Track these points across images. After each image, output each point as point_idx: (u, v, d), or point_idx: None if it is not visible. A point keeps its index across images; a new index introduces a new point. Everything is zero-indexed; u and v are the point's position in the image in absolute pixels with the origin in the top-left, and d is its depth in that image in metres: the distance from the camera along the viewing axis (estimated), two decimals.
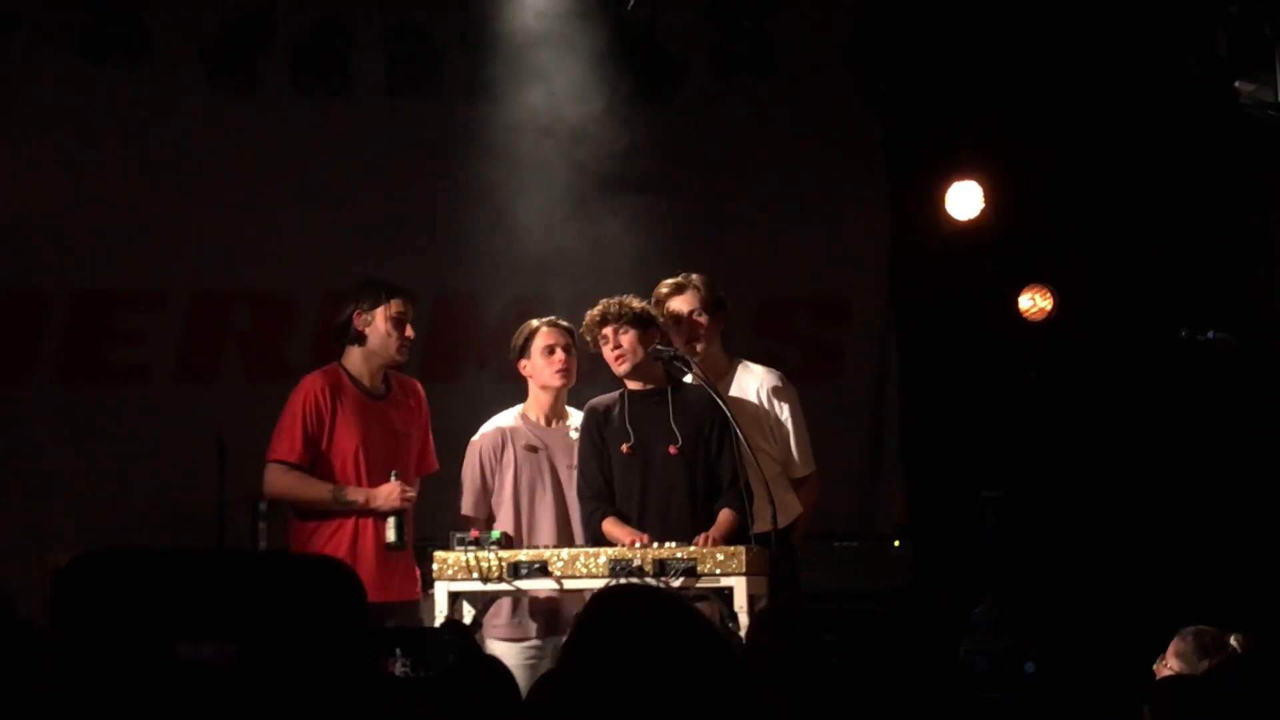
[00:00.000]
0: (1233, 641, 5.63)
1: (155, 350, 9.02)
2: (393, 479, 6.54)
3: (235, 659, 2.35)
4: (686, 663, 2.52)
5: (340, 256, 9.01)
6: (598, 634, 2.60)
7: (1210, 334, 7.16)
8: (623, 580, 5.89)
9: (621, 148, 8.93)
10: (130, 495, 8.69)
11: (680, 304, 6.73)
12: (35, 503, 8.69)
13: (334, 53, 9.09)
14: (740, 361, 6.91)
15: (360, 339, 6.74)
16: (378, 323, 6.71)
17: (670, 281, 6.78)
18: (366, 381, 6.75)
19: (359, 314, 6.73)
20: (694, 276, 6.80)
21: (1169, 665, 5.49)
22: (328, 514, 6.61)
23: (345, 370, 6.76)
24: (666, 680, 2.49)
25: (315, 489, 6.60)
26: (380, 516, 6.54)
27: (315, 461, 6.64)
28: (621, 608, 2.66)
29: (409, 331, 6.74)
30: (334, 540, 6.58)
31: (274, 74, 9.05)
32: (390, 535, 6.47)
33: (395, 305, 6.72)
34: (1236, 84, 7.30)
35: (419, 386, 6.93)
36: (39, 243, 8.84)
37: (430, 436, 6.91)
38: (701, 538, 6.17)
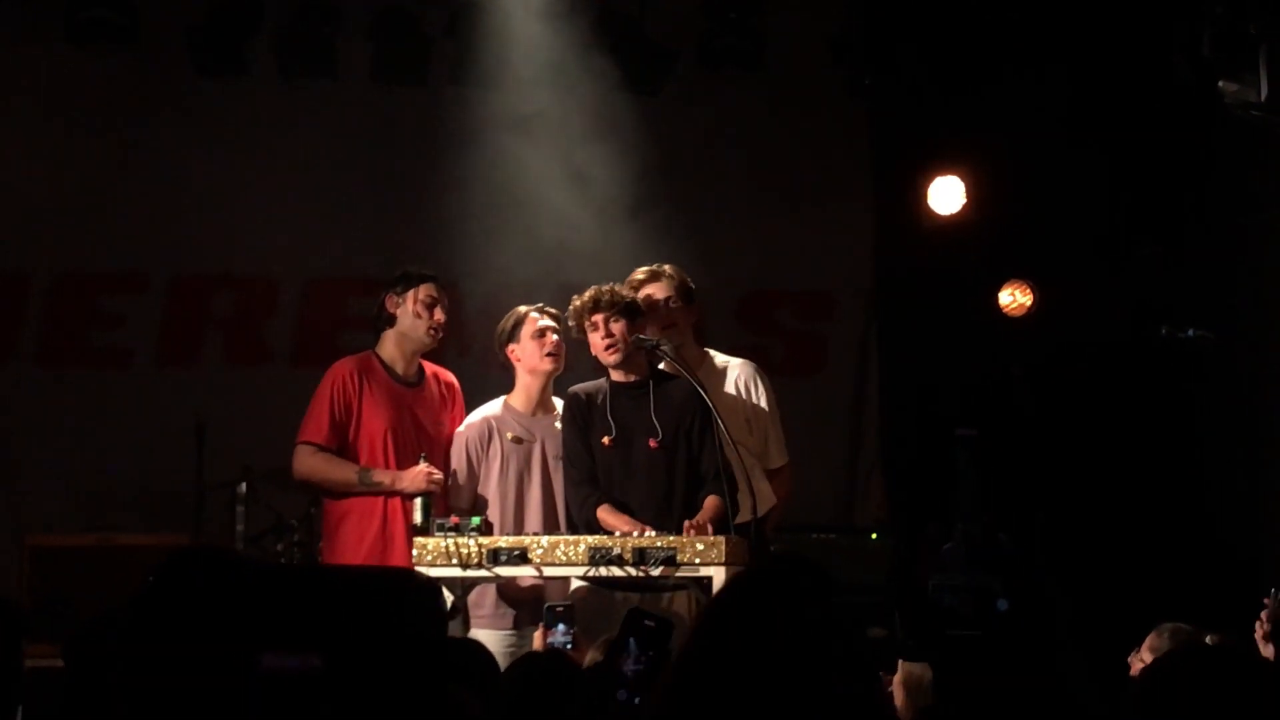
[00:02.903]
0: (1208, 642, 5.66)
1: (136, 334, 9.01)
2: (422, 462, 6.58)
3: (319, 670, 2.37)
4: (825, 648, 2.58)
5: (323, 242, 9.04)
6: (748, 608, 2.65)
7: (1190, 332, 7.19)
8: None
9: (607, 138, 8.94)
10: (110, 478, 8.70)
11: (656, 290, 6.73)
12: (14, 484, 8.69)
13: (320, 38, 9.10)
14: (712, 352, 6.92)
15: (391, 321, 6.83)
16: (408, 305, 6.81)
17: (644, 270, 6.79)
18: (399, 368, 6.81)
19: (391, 297, 6.83)
20: (666, 267, 6.82)
21: (1143, 659, 5.52)
22: (358, 496, 6.64)
23: (378, 356, 6.84)
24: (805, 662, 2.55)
25: (341, 470, 6.65)
26: (407, 498, 6.58)
27: (344, 444, 6.68)
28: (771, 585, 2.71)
29: (439, 316, 6.82)
30: (365, 522, 6.63)
31: (260, 58, 9.05)
32: (417, 517, 6.48)
33: (425, 289, 6.81)
34: (1220, 84, 7.30)
35: (454, 380, 6.98)
36: (20, 225, 8.83)
37: None
38: (689, 524, 6.17)
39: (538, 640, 5.64)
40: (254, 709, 2.35)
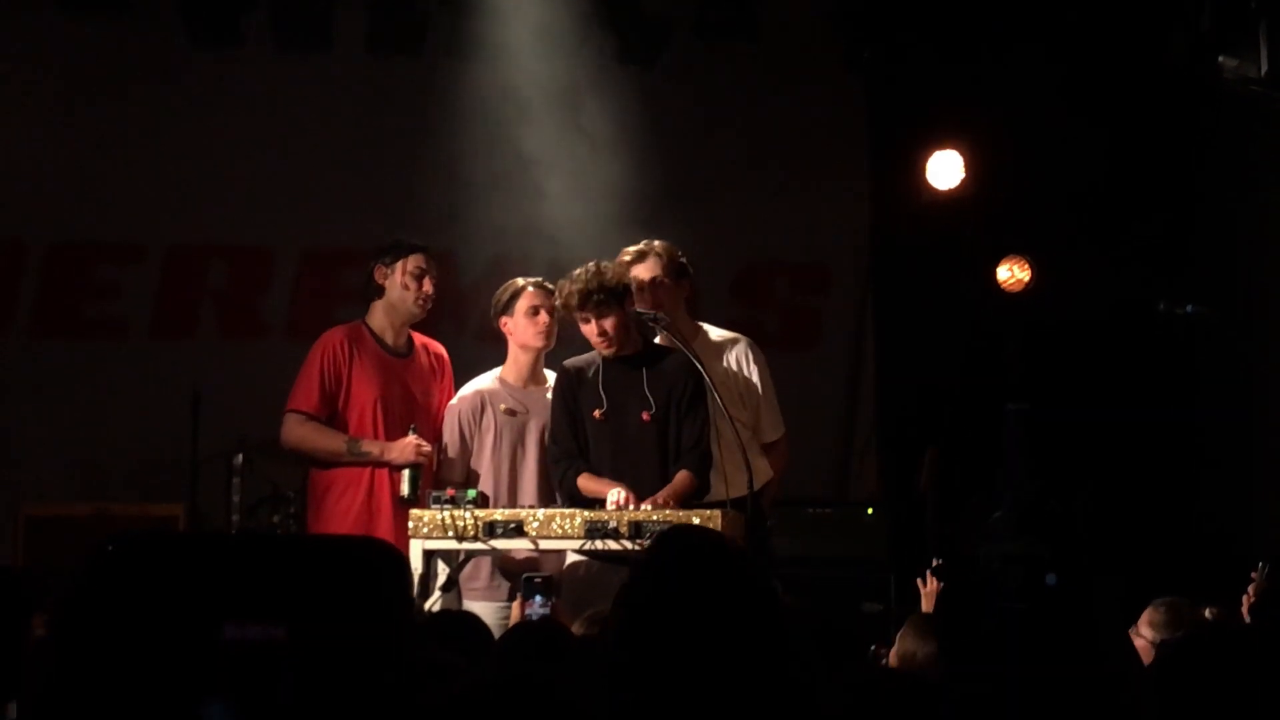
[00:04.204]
0: (1206, 615, 5.68)
1: (131, 305, 8.99)
2: (411, 434, 6.57)
3: (283, 639, 2.37)
4: (745, 607, 2.56)
5: (318, 214, 9.01)
6: (662, 572, 2.63)
7: (1189, 308, 7.18)
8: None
9: (603, 110, 8.92)
10: (105, 449, 8.69)
11: (643, 271, 6.68)
12: (10, 455, 8.68)
13: (315, 8, 9.06)
14: (705, 327, 6.91)
15: (380, 292, 6.83)
16: (396, 276, 6.81)
17: (632, 249, 6.74)
18: (389, 338, 6.81)
19: (379, 268, 6.83)
20: (655, 243, 6.77)
21: (1141, 633, 5.53)
22: (345, 466, 6.64)
23: (368, 326, 6.84)
24: (725, 624, 2.53)
25: (330, 440, 6.66)
26: (395, 469, 6.57)
27: (333, 414, 6.69)
28: (686, 549, 2.69)
29: (427, 286, 6.81)
30: (350, 492, 6.64)
31: (255, 29, 9.01)
32: (404, 489, 6.50)
33: (414, 260, 6.81)
34: (1220, 59, 7.28)
35: (444, 351, 6.98)
36: (16, 195, 8.80)
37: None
38: (649, 500, 6.15)
39: (515, 611, 5.64)
40: (215, 680, 2.35)
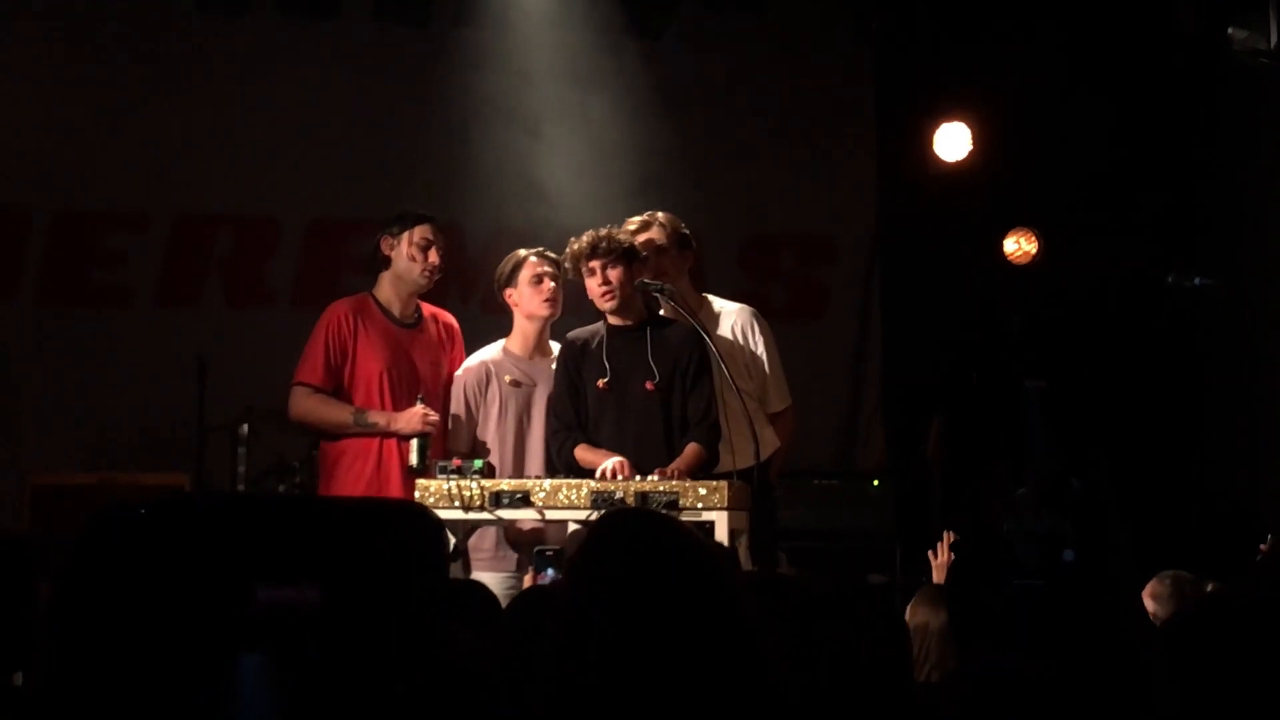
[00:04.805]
0: (1209, 590, 5.67)
1: (137, 273, 8.97)
2: (418, 404, 6.57)
3: (318, 602, 2.37)
4: (692, 590, 2.52)
5: (325, 182, 8.99)
6: (602, 556, 2.59)
7: (1197, 280, 7.17)
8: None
9: (609, 81, 8.90)
10: (110, 417, 8.68)
11: (646, 241, 6.70)
12: (15, 424, 8.67)
13: None
14: (710, 298, 6.91)
15: (386, 263, 6.82)
16: (403, 247, 6.79)
17: (636, 220, 6.75)
18: (396, 309, 6.80)
19: (386, 239, 6.81)
20: (659, 214, 6.79)
21: (1143, 606, 5.52)
22: (353, 437, 6.65)
23: (374, 298, 6.83)
24: (670, 608, 2.49)
25: (336, 411, 6.66)
26: (403, 439, 6.57)
27: (339, 386, 6.69)
28: (630, 530, 2.65)
29: (433, 257, 6.80)
30: (360, 462, 6.64)
31: None
32: (413, 459, 6.49)
33: (421, 231, 6.79)
34: (1229, 30, 7.26)
35: (454, 322, 6.97)
36: (21, 162, 8.78)
37: None
38: (660, 471, 6.16)
39: (527, 584, 5.65)
40: (249, 639, 2.35)
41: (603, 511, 5.89)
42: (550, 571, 5.45)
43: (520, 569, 6.58)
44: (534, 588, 5.10)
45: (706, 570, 2.55)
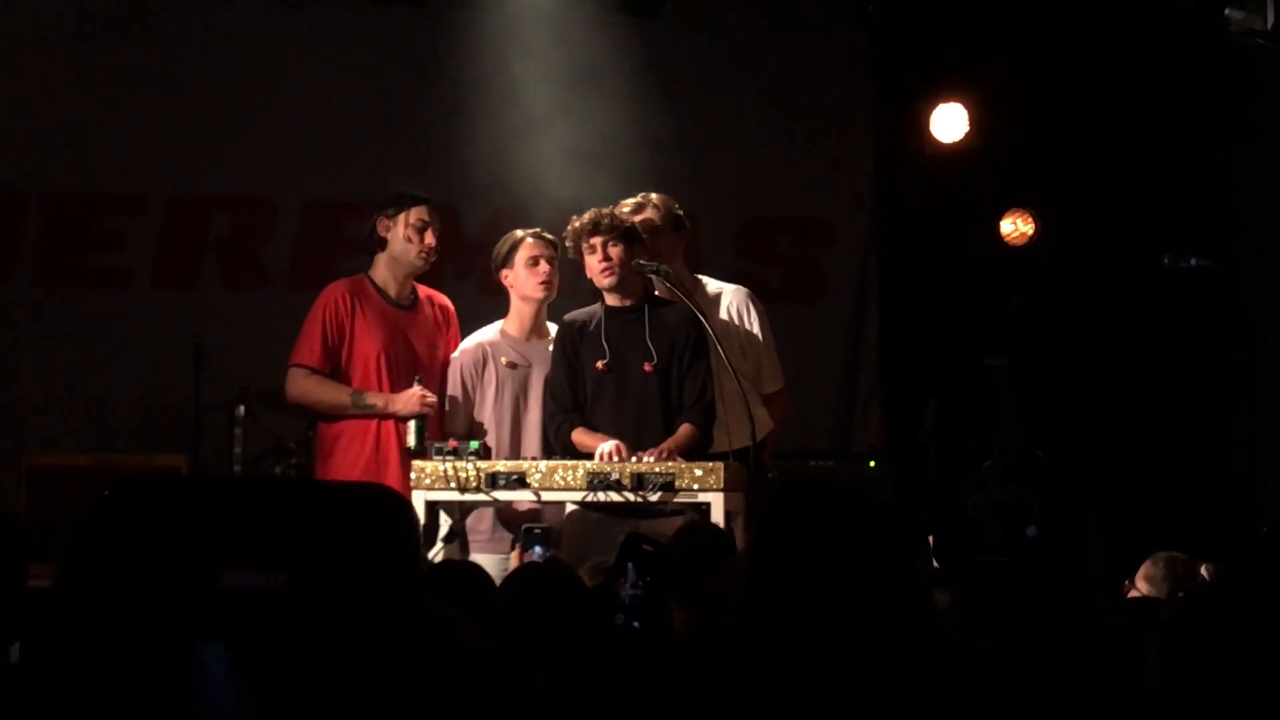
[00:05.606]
0: (1203, 571, 5.68)
1: (134, 255, 8.98)
2: (416, 385, 6.57)
3: (284, 586, 2.37)
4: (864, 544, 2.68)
5: (321, 164, 8.98)
6: (787, 524, 2.73)
7: (1192, 261, 7.16)
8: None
9: (606, 62, 8.88)
10: (107, 399, 8.69)
11: (641, 222, 6.70)
12: (11, 404, 8.68)
13: None
14: (704, 279, 6.91)
15: (383, 244, 6.82)
16: (399, 228, 6.79)
17: (630, 201, 6.75)
18: (392, 291, 6.81)
19: (382, 220, 6.82)
20: (653, 196, 6.80)
21: (1137, 587, 5.54)
22: (351, 418, 6.65)
23: (370, 279, 6.84)
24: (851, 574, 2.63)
25: (334, 393, 6.66)
26: (401, 421, 6.58)
27: (336, 367, 6.69)
28: (811, 500, 2.79)
29: (429, 239, 6.80)
30: (357, 444, 6.65)
31: None
32: (411, 440, 6.50)
33: (417, 212, 6.80)
34: (1227, 11, 7.25)
35: (450, 304, 6.97)
36: (17, 145, 8.77)
37: None
38: (652, 450, 6.17)
39: (514, 561, 5.65)
40: (214, 625, 2.35)
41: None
42: (538, 549, 5.44)
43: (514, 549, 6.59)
44: (525, 566, 5.10)
45: (876, 530, 2.70)
